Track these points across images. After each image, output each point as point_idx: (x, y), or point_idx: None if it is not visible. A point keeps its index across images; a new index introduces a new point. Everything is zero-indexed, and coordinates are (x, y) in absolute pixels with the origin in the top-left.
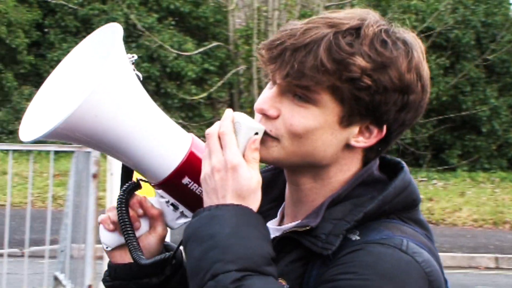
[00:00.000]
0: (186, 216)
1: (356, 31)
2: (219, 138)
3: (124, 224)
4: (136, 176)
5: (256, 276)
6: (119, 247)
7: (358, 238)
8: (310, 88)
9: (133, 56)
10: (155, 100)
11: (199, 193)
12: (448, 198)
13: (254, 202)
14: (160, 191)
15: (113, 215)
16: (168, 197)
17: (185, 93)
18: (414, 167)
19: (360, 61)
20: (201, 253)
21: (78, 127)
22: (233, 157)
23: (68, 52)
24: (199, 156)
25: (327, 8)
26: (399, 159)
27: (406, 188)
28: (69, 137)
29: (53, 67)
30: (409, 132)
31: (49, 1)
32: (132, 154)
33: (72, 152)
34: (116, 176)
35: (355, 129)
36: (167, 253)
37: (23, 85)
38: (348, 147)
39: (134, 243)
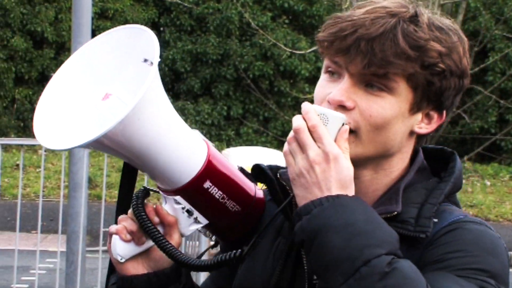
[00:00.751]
0: (199, 222)
1: (415, 18)
2: (309, 131)
3: (152, 231)
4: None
5: (400, 258)
6: (131, 258)
7: (436, 220)
8: (388, 76)
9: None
10: (268, 99)
11: (218, 197)
12: None
13: (353, 191)
14: (177, 198)
15: (129, 224)
16: (184, 203)
17: (298, 91)
18: None
19: (437, 46)
20: (342, 241)
21: (118, 136)
22: (332, 148)
23: (183, 50)
24: (217, 160)
25: (442, 6)
26: (440, 146)
27: (461, 172)
28: (102, 146)
29: (167, 65)
30: None
31: (165, 0)
32: (158, 161)
33: None
34: None
35: (419, 116)
36: (231, 252)
37: None
38: (410, 134)
39: (171, 247)
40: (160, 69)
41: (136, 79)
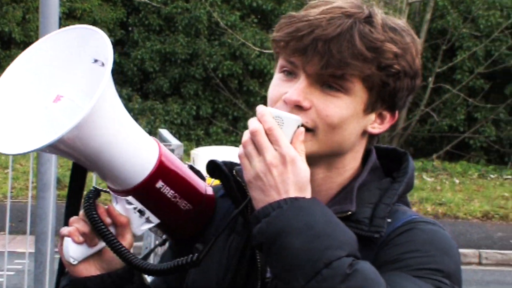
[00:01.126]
0: (150, 222)
1: (370, 19)
2: (266, 134)
3: (105, 233)
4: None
5: (359, 259)
6: (84, 260)
7: (389, 220)
8: (345, 77)
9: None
10: (237, 98)
11: (170, 196)
12: None
13: (310, 193)
14: (129, 198)
15: (82, 226)
16: (136, 204)
17: (267, 90)
18: (499, 164)
19: (393, 47)
20: (303, 243)
21: (73, 139)
22: (289, 151)
23: (152, 50)
24: (168, 159)
25: (410, 4)
26: (392, 146)
27: (413, 172)
28: (56, 150)
29: (136, 65)
30: (494, 129)
31: (133, 0)
32: (110, 163)
33: None
34: None
35: (373, 116)
36: (187, 256)
37: None
38: (363, 134)
39: (124, 249)
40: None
41: (87, 80)
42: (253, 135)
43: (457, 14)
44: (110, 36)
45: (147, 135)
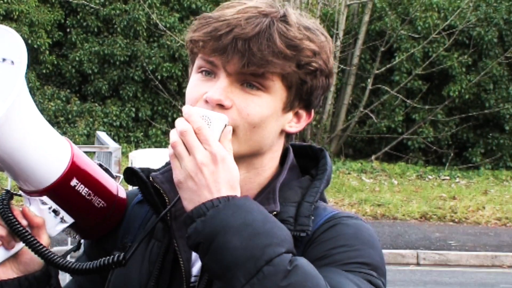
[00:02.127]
0: (65, 222)
1: (285, 18)
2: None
3: (24, 235)
4: None
5: (297, 256)
6: (0, 263)
7: (312, 217)
8: (266, 76)
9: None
10: (177, 100)
11: (84, 194)
12: (471, 197)
13: (239, 191)
14: (44, 198)
15: None
16: (51, 203)
17: None
18: (437, 165)
19: (311, 45)
20: (243, 241)
21: None
22: (220, 149)
23: (90, 52)
24: (80, 158)
25: (348, 6)
26: (306, 144)
27: (331, 168)
28: None
29: (75, 67)
30: (432, 130)
31: (71, 1)
32: (24, 163)
33: (93, 152)
34: None
35: (290, 115)
36: (112, 256)
37: (46, 85)
38: (281, 133)
39: (46, 250)
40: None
41: None
42: (182, 135)
43: (395, 16)
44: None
45: (58, 134)
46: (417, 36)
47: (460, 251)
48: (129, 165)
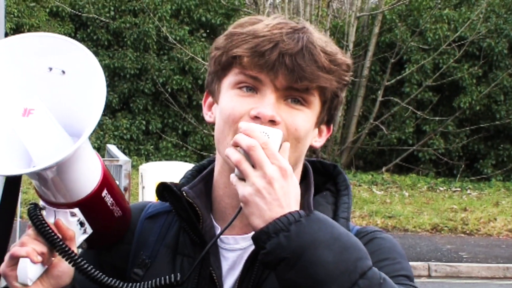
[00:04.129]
0: (86, 233)
1: (311, 34)
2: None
3: (67, 252)
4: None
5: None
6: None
7: None
8: (310, 91)
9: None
10: (187, 113)
11: (109, 204)
12: (483, 208)
13: None
14: (74, 210)
15: (38, 246)
16: (80, 215)
17: None
18: (447, 177)
19: (344, 59)
20: (335, 256)
21: (51, 168)
22: (287, 164)
23: (101, 65)
24: (107, 169)
25: (358, 18)
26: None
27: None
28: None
29: None
30: (442, 141)
31: (81, 15)
32: (65, 177)
33: None
34: (148, 189)
35: (317, 130)
36: (166, 276)
37: None
38: (308, 148)
39: (93, 269)
40: None
41: (48, 91)
42: (250, 150)
43: (405, 28)
44: None
45: (91, 147)
46: (427, 47)
47: (471, 263)
48: (139, 178)
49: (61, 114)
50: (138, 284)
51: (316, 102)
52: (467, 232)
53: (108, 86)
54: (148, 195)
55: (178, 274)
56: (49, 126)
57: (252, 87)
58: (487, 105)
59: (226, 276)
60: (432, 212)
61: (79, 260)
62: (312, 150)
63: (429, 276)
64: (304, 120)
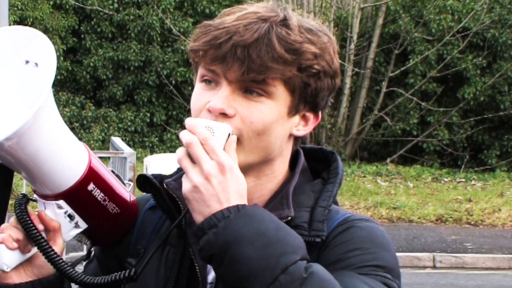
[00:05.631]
0: (79, 227)
1: (286, 22)
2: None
3: (39, 241)
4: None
5: (311, 263)
6: (15, 267)
7: (326, 222)
8: (267, 82)
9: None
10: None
11: (100, 199)
12: (487, 199)
13: (246, 200)
14: (60, 202)
15: (15, 233)
16: (67, 208)
17: None
18: (452, 168)
19: (311, 47)
20: (257, 251)
21: (11, 143)
22: (227, 159)
23: (104, 57)
24: (96, 163)
25: (362, 9)
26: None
27: (343, 171)
28: None
29: (89, 73)
30: (447, 132)
31: (85, 7)
32: (44, 167)
33: (108, 158)
34: None
35: (297, 118)
36: (124, 271)
37: (60, 91)
38: (289, 137)
39: (59, 259)
40: (81, 77)
41: (22, 82)
42: (188, 147)
43: (409, 19)
44: (62, 44)
45: (76, 138)
46: (431, 38)
47: (476, 253)
48: (144, 170)
49: (33, 101)
50: (99, 278)
51: (279, 92)
52: (472, 222)
53: (112, 78)
54: None
55: (133, 269)
56: (14, 111)
57: (211, 80)
58: (492, 96)
59: (210, 267)
60: (437, 203)
61: (49, 249)
62: (317, 140)
63: (434, 267)
64: (263, 112)
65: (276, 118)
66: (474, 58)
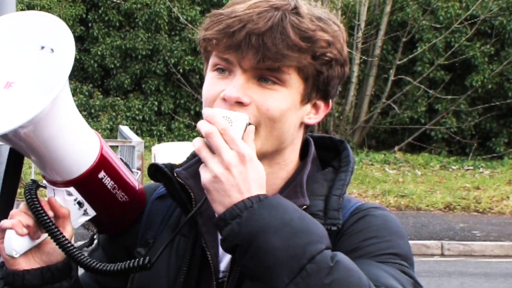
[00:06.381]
0: (87, 214)
1: (297, 10)
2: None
3: (50, 227)
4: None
5: (336, 252)
6: (23, 253)
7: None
8: (282, 69)
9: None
10: (199, 93)
11: (110, 187)
12: (496, 187)
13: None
14: (70, 189)
15: (25, 219)
16: (76, 195)
17: None
18: (460, 155)
19: (324, 35)
20: (283, 241)
21: (27, 129)
22: (246, 149)
23: (112, 46)
24: (107, 151)
25: None
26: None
27: (354, 160)
28: (5, 138)
29: (97, 62)
30: (455, 120)
31: None
32: (57, 154)
33: (116, 146)
34: None
35: (308, 107)
36: (136, 259)
37: (68, 80)
38: (300, 126)
39: (70, 245)
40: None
41: (37, 67)
42: (208, 137)
43: (416, 6)
44: None
45: (88, 126)
46: (439, 26)
47: (484, 241)
48: (152, 159)
49: (49, 89)
50: (112, 265)
51: (293, 80)
52: (480, 210)
53: (120, 67)
54: None
55: (148, 258)
56: (29, 97)
57: (225, 69)
58: (499, 83)
59: (223, 254)
60: (445, 191)
61: (60, 235)
62: (325, 129)
63: (442, 254)
64: (278, 100)
65: (290, 106)
66: (482, 45)
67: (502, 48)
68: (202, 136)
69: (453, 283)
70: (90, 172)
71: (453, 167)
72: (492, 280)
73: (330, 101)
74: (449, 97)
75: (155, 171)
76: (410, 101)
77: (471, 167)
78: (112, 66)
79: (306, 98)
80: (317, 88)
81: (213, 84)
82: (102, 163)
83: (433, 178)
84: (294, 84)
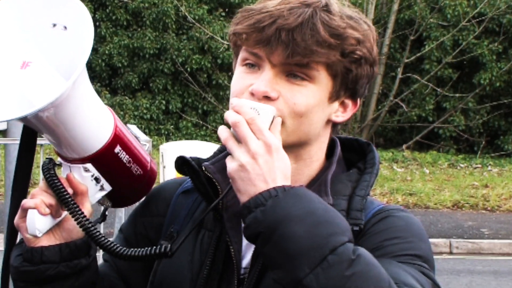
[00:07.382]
0: (104, 189)
1: (328, 8)
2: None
3: (72, 205)
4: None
5: (358, 246)
6: (46, 232)
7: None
8: (310, 66)
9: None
10: (206, 92)
11: (125, 161)
12: (504, 185)
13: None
14: (88, 165)
15: (47, 198)
16: (94, 171)
17: None
18: (468, 153)
19: (354, 33)
20: (306, 230)
21: (48, 111)
22: (273, 140)
23: (119, 45)
24: (121, 126)
25: None
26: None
27: (379, 162)
28: (27, 120)
29: (104, 61)
30: (463, 118)
31: None
32: (75, 131)
33: None
34: (169, 168)
35: (336, 104)
36: (159, 246)
37: None
38: (327, 123)
39: (91, 226)
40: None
41: (52, 46)
42: (235, 126)
43: (424, 4)
44: None
45: (102, 102)
46: (446, 24)
47: (493, 239)
48: (160, 158)
49: (63, 67)
50: (132, 250)
51: (322, 77)
52: (488, 208)
53: (127, 66)
54: (169, 174)
55: (169, 245)
56: (46, 77)
57: (254, 64)
58: (508, 81)
59: (246, 250)
60: (453, 189)
61: (81, 215)
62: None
63: (450, 252)
64: (305, 95)
65: (317, 102)
66: (490, 43)
67: (510, 46)
68: (229, 126)
69: (462, 281)
70: (107, 147)
71: (461, 165)
72: (501, 278)
73: (358, 100)
74: (457, 95)
75: (182, 164)
76: (418, 99)
77: (479, 165)
78: (120, 65)
79: (334, 96)
80: (345, 86)
81: (241, 78)
82: (118, 137)
83: (441, 176)
84: (323, 81)
